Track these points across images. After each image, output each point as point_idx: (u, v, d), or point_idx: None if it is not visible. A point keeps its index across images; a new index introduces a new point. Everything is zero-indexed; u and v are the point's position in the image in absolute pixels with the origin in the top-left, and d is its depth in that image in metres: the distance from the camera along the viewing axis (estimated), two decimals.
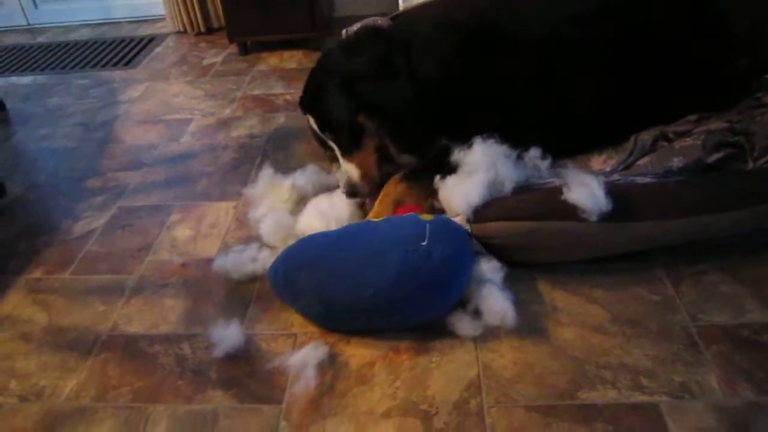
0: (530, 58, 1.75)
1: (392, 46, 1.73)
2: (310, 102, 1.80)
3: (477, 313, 1.41)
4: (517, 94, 1.72)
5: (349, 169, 1.70)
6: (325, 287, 1.38)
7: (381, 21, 2.25)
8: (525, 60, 1.75)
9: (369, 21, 2.22)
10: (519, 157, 1.57)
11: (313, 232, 1.58)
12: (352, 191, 1.70)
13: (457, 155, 1.58)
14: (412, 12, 2.39)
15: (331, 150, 1.78)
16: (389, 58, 1.69)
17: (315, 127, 1.77)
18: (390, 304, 1.36)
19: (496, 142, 1.56)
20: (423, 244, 1.34)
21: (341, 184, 1.72)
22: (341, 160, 1.73)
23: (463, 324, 1.40)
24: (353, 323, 1.42)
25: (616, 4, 1.99)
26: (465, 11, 1.97)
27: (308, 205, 1.73)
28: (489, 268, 1.43)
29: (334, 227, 1.59)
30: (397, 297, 1.35)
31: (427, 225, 1.38)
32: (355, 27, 2.25)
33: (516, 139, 1.61)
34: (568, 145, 1.78)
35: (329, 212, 1.66)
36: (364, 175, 1.70)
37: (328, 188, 1.84)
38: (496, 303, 1.38)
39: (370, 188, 1.71)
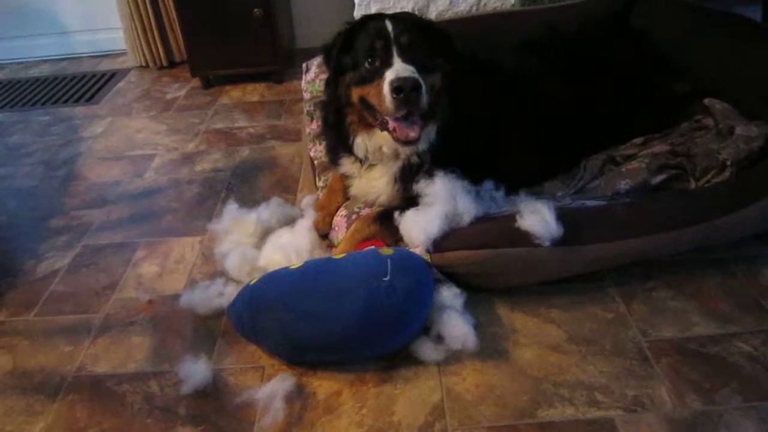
0: (495, 91, 1.82)
1: None
2: (392, 15, 1.70)
3: (439, 339, 1.46)
4: (488, 126, 1.77)
5: (411, 68, 1.52)
6: (294, 328, 1.41)
7: None
8: (491, 93, 1.81)
9: None
10: (477, 192, 1.63)
11: (274, 266, 1.61)
12: (414, 86, 1.49)
13: (418, 187, 1.63)
14: None
15: (384, 63, 1.57)
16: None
17: (390, 29, 1.59)
18: (358, 339, 1.40)
19: (457, 176, 1.61)
20: (386, 279, 1.38)
21: (394, 78, 1.50)
22: (397, 61, 1.53)
23: (427, 349, 1.45)
24: (322, 359, 1.45)
25: (566, 36, 2.12)
26: None
27: (268, 240, 1.75)
28: (449, 294, 1.49)
29: (295, 260, 1.62)
30: (365, 332, 1.39)
31: (388, 260, 1.43)
32: (315, 61, 2.32)
33: (485, 169, 1.68)
34: (527, 174, 1.85)
35: (289, 245, 1.69)
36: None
37: (293, 220, 1.87)
38: (457, 328, 1.43)
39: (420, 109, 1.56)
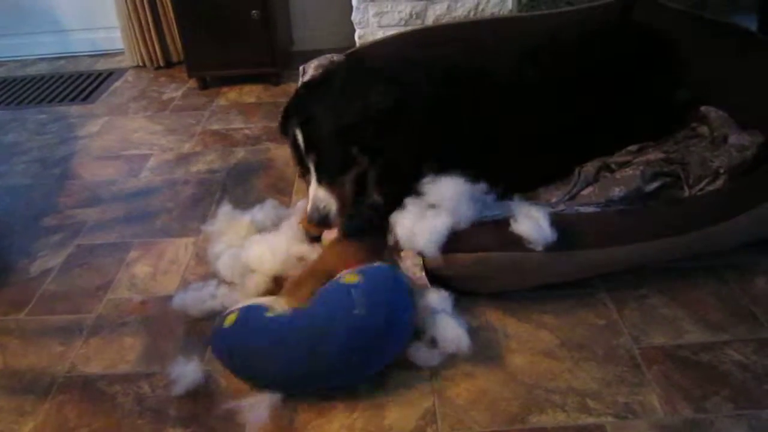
0: (492, 97, 1.82)
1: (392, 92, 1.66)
2: (301, 116, 1.68)
3: (433, 342, 1.45)
4: (482, 132, 1.77)
5: (321, 197, 1.61)
6: (281, 369, 1.38)
7: (336, 58, 2.33)
8: (488, 99, 1.81)
9: (324, 58, 2.29)
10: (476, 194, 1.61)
11: (261, 263, 1.63)
12: (322, 219, 1.61)
13: (423, 187, 1.59)
14: (370, 50, 2.48)
15: (307, 169, 1.69)
16: (395, 106, 1.62)
17: (300, 142, 1.66)
18: (345, 368, 1.38)
19: (463, 179, 1.58)
20: (356, 312, 1.36)
21: (309, 209, 1.62)
22: (314, 184, 1.64)
23: (421, 354, 1.44)
24: (312, 387, 1.42)
25: (565, 42, 2.12)
26: (428, 53, 2.05)
27: (253, 239, 1.74)
28: (437, 297, 1.48)
29: (270, 259, 1.64)
30: (351, 361, 1.37)
31: (352, 290, 1.40)
32: (312, 63, 2.32)
33: (479, 174, 1.66)
34: (523, 180, 1.85)
35: (266, 242, 1.69)
36: (339, 204, 1.63)
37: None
38: (449, 330, 1.43)
39: (341, 218, 1.62)
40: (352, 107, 1.60)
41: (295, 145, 1.69)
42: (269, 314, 1.45)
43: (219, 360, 1.49)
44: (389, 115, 1.59)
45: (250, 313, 1.48)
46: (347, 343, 1.35)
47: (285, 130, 1.76)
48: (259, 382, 1.42)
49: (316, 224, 1.63)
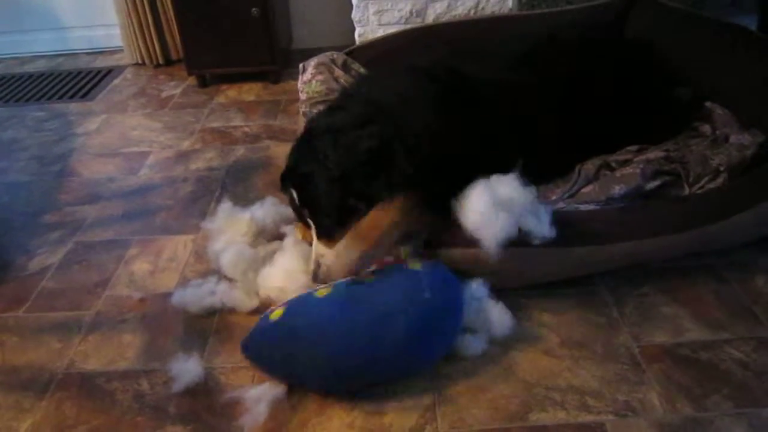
0: (491, 97, 1.80)
1: (384, 129, 1.56)
2: (294, 177, 1.64)
3: (475, 330, 1.47)
4: (482, 132, 1.73)
5: (323, 253, 1.52)
6: (334, 358, 1.34)
7: (336, 56, 2.33)
8: (487, 99, 1.79)
9: (324, 57, 2.29)
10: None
11: (283, 292, 1.56)
12: (321, 276, 1.52)
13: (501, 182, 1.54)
14: (370, 50, 2.48)
15: (308, 225, 1.61)
16: (385, 147, 1.53)
17: (296, 199, 1.62)
18: (407, 355, 1.37)
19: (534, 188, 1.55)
20: (426, 296, 1.36)
21: (311, 267, 1.54)
22: (315, 241, 1.56)
23: (467, 343, 1.46)
24: (364, 382, 1.39)
25: (566, 44, 2.12)
26: (428, 54, 2.04)
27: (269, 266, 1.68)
28: (475, 285, 1.50)
29: (290, 285, 1.57)
30: (414, 347, 1.37)
31: (421, 274, 1.41)
32: (312, 61, 2.32)
33: (479, 173, 1.65)
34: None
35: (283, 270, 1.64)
36: (340, 259, 1.53)
37: (287, 221, 1.87)
38: (495, 314, 1.47)
39: (344, 273, 1.52)
40: (337, 159, 1.52)
41: (293, 203, 1.66)
42: (319, 294, 1.41)
43: (254, 362, 1.43)
44: (377, 157, 1.52)
45: (298, 300, 1.44)
46: (417, 325, 1.34)
47: (284, 189, 1.71)
48: (304, 377, 1.38)
49: (315, 281, 1.52)
